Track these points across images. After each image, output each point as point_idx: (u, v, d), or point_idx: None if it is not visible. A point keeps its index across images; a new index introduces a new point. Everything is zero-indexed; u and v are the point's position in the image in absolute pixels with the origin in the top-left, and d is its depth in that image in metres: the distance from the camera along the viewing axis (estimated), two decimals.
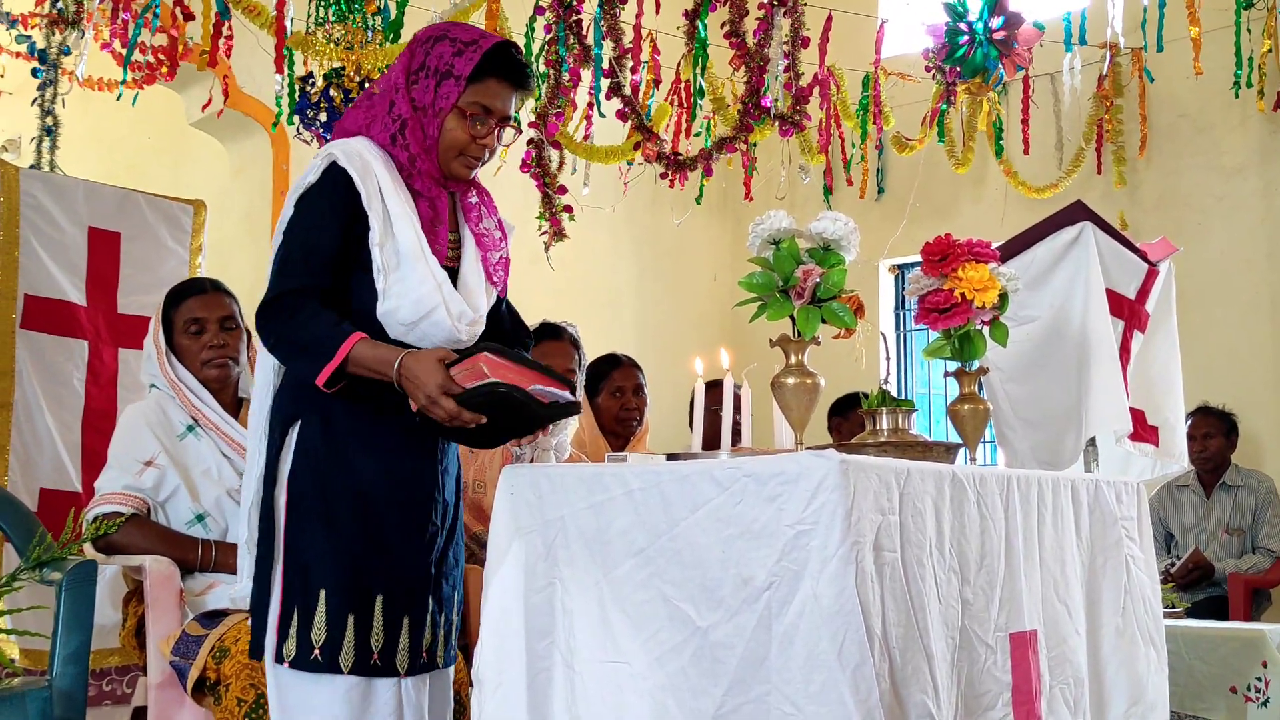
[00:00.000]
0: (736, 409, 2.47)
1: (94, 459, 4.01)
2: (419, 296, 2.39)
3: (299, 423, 2.42)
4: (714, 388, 3.40)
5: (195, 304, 3.40)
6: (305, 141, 4.83)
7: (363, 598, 2.38)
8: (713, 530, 2.09)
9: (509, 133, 2.55)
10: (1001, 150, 6.81)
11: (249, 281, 4.91)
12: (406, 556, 2.44)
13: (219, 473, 3.27)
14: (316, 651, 2.34)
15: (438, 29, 2.50)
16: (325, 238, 2.38)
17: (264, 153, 5.86)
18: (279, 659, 2.37)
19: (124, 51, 4.59)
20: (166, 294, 3.47)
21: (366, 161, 2.41)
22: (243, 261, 5.73)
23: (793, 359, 2.42)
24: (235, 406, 3.39)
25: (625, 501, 2.21)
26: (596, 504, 2.24)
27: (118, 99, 4.94)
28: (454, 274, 2.50)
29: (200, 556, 3.19)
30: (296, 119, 4.74)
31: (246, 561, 2.51)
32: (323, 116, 4.67)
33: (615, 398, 4.27)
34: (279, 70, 4.77)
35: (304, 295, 2.35)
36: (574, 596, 2.25)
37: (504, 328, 2.65)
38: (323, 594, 2.36)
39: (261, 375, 2.54)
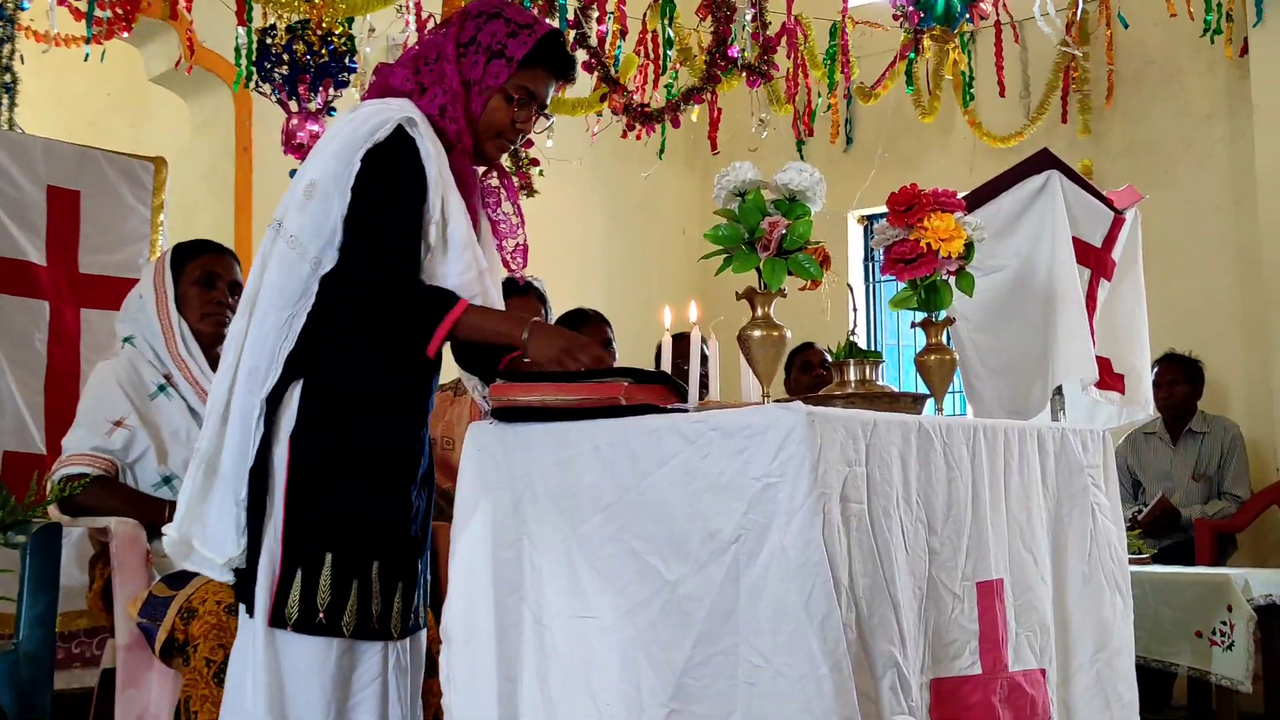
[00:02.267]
0: (703, 362, 2.46)
1: (58, 420, 3.98)
2: (462, 283, 2.39)
3: (300, 382, 2.39)
4: (681, 341, 3.40)
5: (212, 260, 3.42)
6: (265, 95, 4.78)
7: (363, 561, 2.38)
8: (680, 484, 2.09)
9: (540, 120, 2.58)
10: (970, 100, 6.80)
11: (210, 238, 4.86)
12: (399, 520, 2.44)
13: (188, 434, 3.26)
14: (321, 615, 2.33)
15: (491, 4, 2.49)
16: (417, 213, 2.36)
17: (226, 108, 5.79)
18: (277, 622, 2.35)
19: (83, 6, 4.51)
20: (177, 245, 3.45)
21: (431, 135, 2.40)
22: (206, 219, 5.67)
23: (759, 311, 2.42)
24: (214, 366, 3.38)
25: (593, 457, 2.20)
26: (564, 460, 2.24)
27: (85, 59, 4.87)
28: None
29: (167, 518, 3.17)
30: (256, 72, 4.68)
31: (230, 514, 2.44)
32: (283, 70, 4.61)
33: None
34: (240, 23, 4.71)
35: (412, 279, 2.35)
36: (542, 552, 2.25)
37: None
38: (329, 557, 2.35)
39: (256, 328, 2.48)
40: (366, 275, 2.31)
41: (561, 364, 2.27)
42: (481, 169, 2.57)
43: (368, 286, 2.31)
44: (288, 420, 2.39)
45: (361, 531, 2.38)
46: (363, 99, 2.55)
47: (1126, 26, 6.42)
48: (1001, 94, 6.68)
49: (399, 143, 2.36)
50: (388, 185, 2.35)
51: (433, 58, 2.47)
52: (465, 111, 2.44)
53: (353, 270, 2.33)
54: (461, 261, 2.39)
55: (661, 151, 6.64)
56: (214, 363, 3.38)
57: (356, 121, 2.39)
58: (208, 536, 2.46)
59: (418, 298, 2.32)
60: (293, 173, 4.69)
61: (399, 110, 2.38)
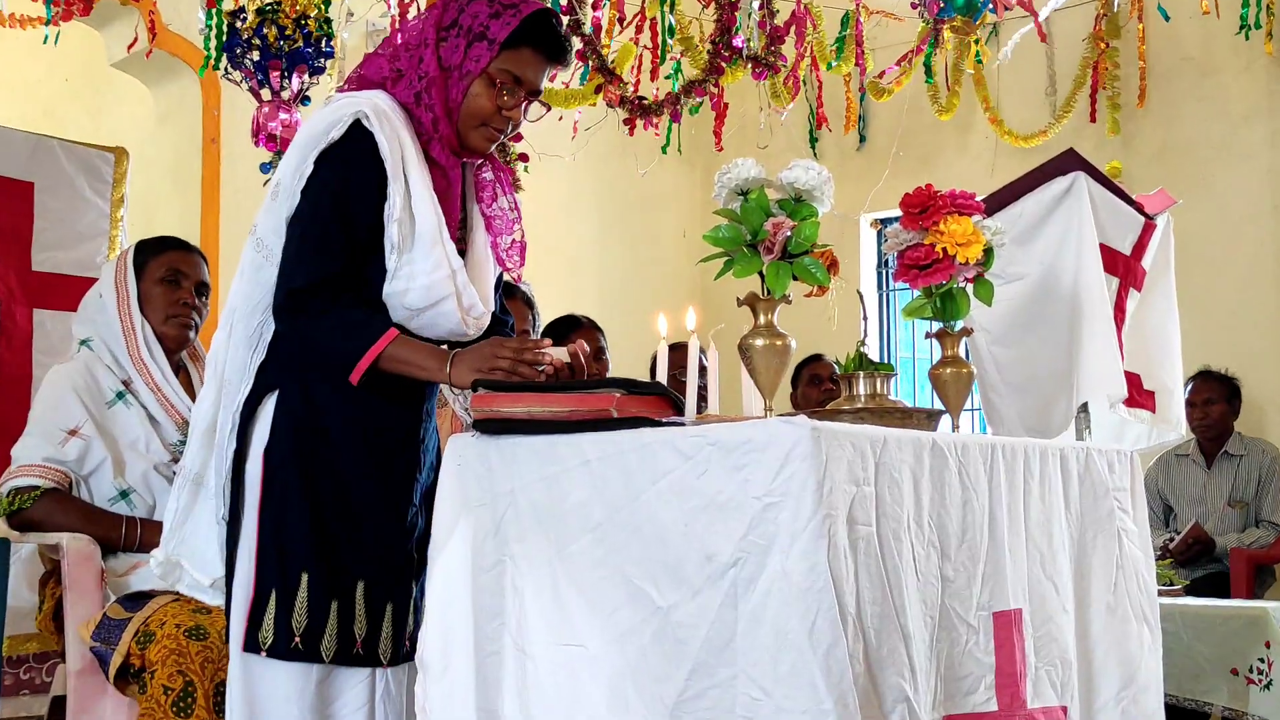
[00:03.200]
0: (701, 373, 2.46)
1: (7, 428, 3.97)
2: (431, 283, 2.39)
3: (276, 392, 2.41)
4: (678, 350, 3.40)
5: (179, 257, 3.43)
6: (235, 82, 4.78)
7: (345, 582, 2.38)
8: (675, 503, 2.09)
9: (535, 108, 2.55)
10: (991, 96, 6.81)
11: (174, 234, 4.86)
12: (388, 539, 2.45)
13: (147, 445, 3.26)
14: (298, 639, 2.34)
15: None
16: (360, 211, 2.36)
17: (192, 96, 5.80)
18: (251, 647, 2.35)
19: None
20: (139, 242, 3.47)
21: (394, 126, 2.39)
22: (169, 215, 5.68)
23: (762, 319, 2.42)
24: (176, 372, 3.38)
25: (581, 473, 2.20)
26: (550, 476, 2.24)
27: (44, 41, 4.88)
28: (461, 257, 2.49)
29: (124, 535, 3.18)
30: (224, 57, 4.69)
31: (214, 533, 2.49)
32: (254, 55, 4.62)
33: None
34: (209, 4, 4.72)
35: (338, 285, 2.34)
36: (525, 575, 2.25)
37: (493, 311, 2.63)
38: (305, 578, 2.35)
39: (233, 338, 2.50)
40: (286, 298, 2.34)
41: (491, 374, 2.28)
42: (478, 161, 2.58)
43: (289, 310, 2.34)
44: (260, 434, 2.41)
45: (344, 550, 2.39)
46: (339, 90, 2.55)
47: (1168, 19, 6.42)
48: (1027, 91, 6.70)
49: (354, 140, 2.37)
50: (331, 191, 2.36)
51: (414, 44, 2.48)
52: (444, 99, 2.43)
53: (278, 287, 2.36)
54: (429, 259, 2.39)
55: (666, 147, 6.63)
56: (177, 368, 3.39)
57: (320, 117, 2.42)
58: (195, 557, 2.50)
59: (341, 326, 2.34)
60: (263, 166, 4.75)
61: (360, 103, 2.39)
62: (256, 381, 2.43)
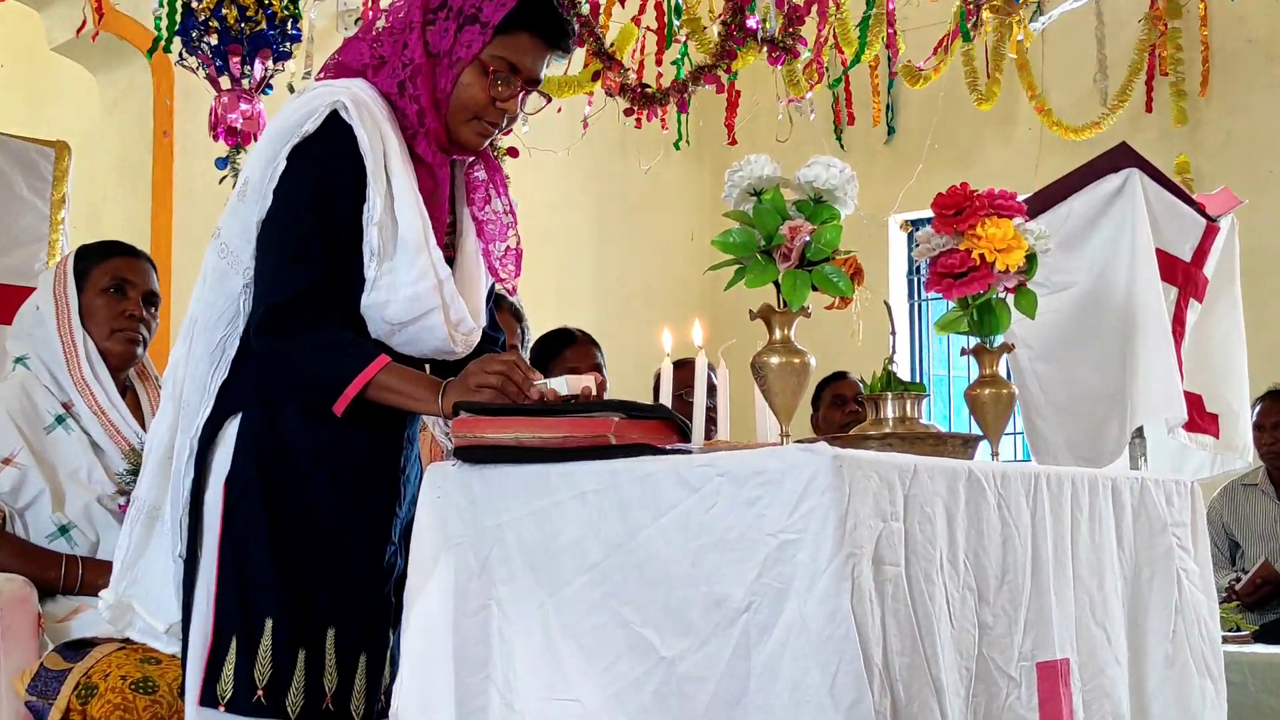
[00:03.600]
0: (710, 394, 2.47)
1: None
2: (415, 294, 2.39)
3: (239, 415, 2.41)
4: (683, 368, 3.40)
5: (124, 264, 3.43)
6: (190, 69, 4.79)
7: (313, 629, 2.37)
8: (680, 541, 2.09)
9: (534, 99, 2.55)
10: (1036, 83, 6.82)
11: (122, 239, 4.88)
12: (363, 582, 2.44)
13: (89, 475, 3.26)
14: (260, 692, 2.33)
15: None
16: (342, 214, 2.37)
17: (143, 84, 5.82)
18: (208, 701, 2.34)
19: None
20: (80, 248, 3.47)
21: (375, 118, 2.39)
22: (116, 215, 5.70)
23: (777, 334, 2.43)
24: (122, 393, 3.38)
25: (576, 506, 2.20)
26: (541, 510, 2.24)
27: None
28: (449, 265, 2.49)
29: (64, 575, 3.18)
30: (178, 42, 4.70)
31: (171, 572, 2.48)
32: (212, 39, 4.63)
33: None
34: None
35: (322, 300, 2.35)
36: (513, 621, 2.24)
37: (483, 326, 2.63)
38: (269, 623, 2.34)
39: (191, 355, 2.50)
40: (266, 315, 2.34)
41: (478, 393, 2.28)
42: (469, 159, 2.58)
43: (269, 329, 2.34)
44: (221, 461, 2.41)
45: (313, 593, 2.38)
46: (316, 79, 2.56)
47: None
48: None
49: (331, 133, 2.36)
50: (308, 190, 2.36)
51: (398, 28, 2.48)
52: (431, 89, 2.44)
53: (255, 302, 2.36)
54: (414, 269, 2.39)
55: (679, 141, 6.61)
56: (124, 389, 3.39)
57: (292, 108, 2.41)
58: (149, 598, 2.49)
59: (327, 348, 2.34)
60: (219, 161, 4.75)
61: (338, 92, 2.38)
62: (218, 403, 2.43)
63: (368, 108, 2.39)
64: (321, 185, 2.37)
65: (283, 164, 2.37)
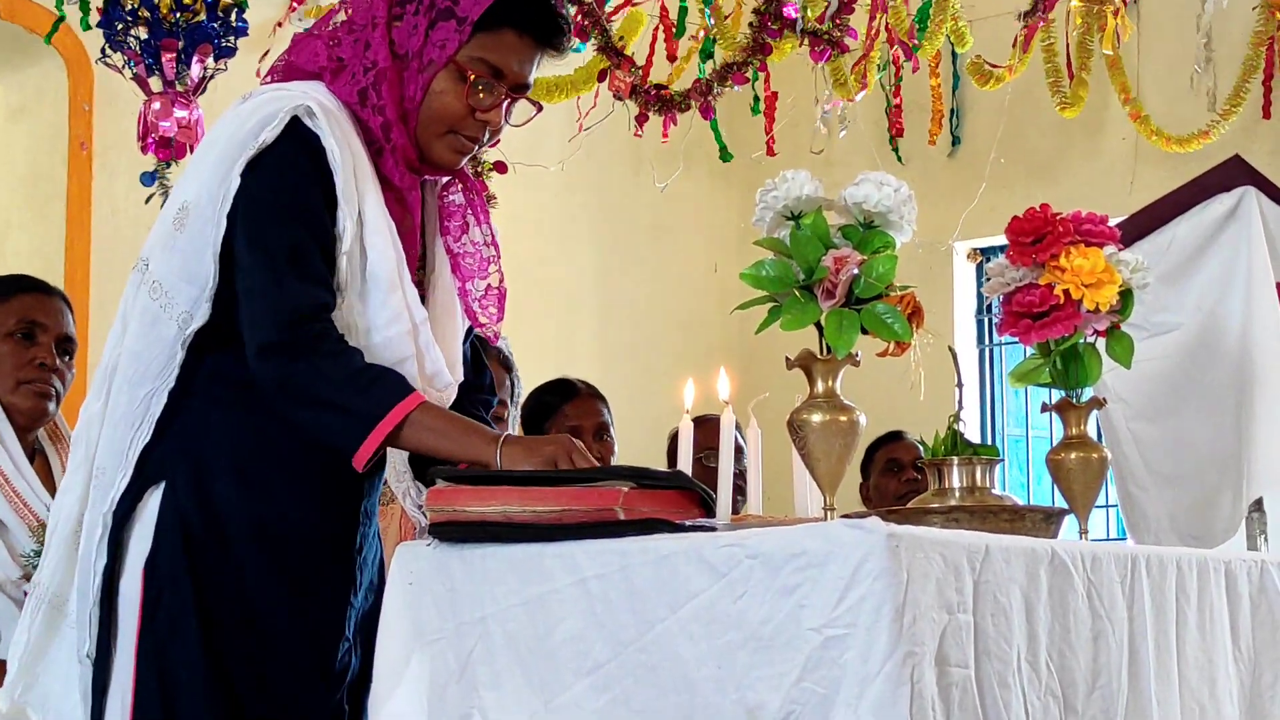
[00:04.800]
0: (738, 458, 2.47)
1: None
2: (386, 340, 2.41)
3: (162, 485, 2.41)
4: (705, 426, 3.40)
5: (34, 303, 3.44)
6: (114, 68, 4.81)
7: None
8: (704, 637, 2.09)
9: (522, 108, 2.55)
10: (1131, 85, 6.83)
11: (31, 270, 4.89)
12: (309, 686, 2.45)
13: None
14: None
15: None
16: (328, 227, 2.38)
17: (55, 85, 5.83)
18: None
19: None
20: None
21: (344, 129, 2.41)
22: (21, 241, 5.72)
23: (819, 386, 2.42)
24: (30, 458, 3.39)
25: (576, 595, 2.21)
26: (534, 599, 2.24)
27: None
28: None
29: None
30: (102, 35, 4.72)
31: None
32: (141, 32, 4.65)
33: None
34: None
35: (332, 322, 2.36)
36: None
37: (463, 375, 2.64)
38: None
39: (94, 420, 2.50)
40: (286, 330, 2.33)
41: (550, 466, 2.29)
42: (442, 180, 2.59)
43: (287, 347, 2.33)
44: (140, 541, 2.41)
45: (250, 701, 2.39)
46: (262, 82, 2.57)
47: None
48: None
49: (293, 142, 2.37)
50: (282, 200, 2.37)
51: (359, 24, 2.49)
52: (398, 97, 2.44)
53: (261, 322, 2.35)
54: (387, 310, 2.40)
55: (724, 154, 6.56)
56: (32, 453, 3.39)
57: (240, 117, 2.41)
58: (50, 708, 2.49)
59: (354, 377, 2.33)
60: (145, 177, 4.76)
61: (298, 96, 2.39)
62: (137, 471, 2.42)
63: (334, 116, 2.40)
64: (296, 191, 2.37)
65: (236, 181, 2.36)
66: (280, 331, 2.32)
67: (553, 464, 2.29)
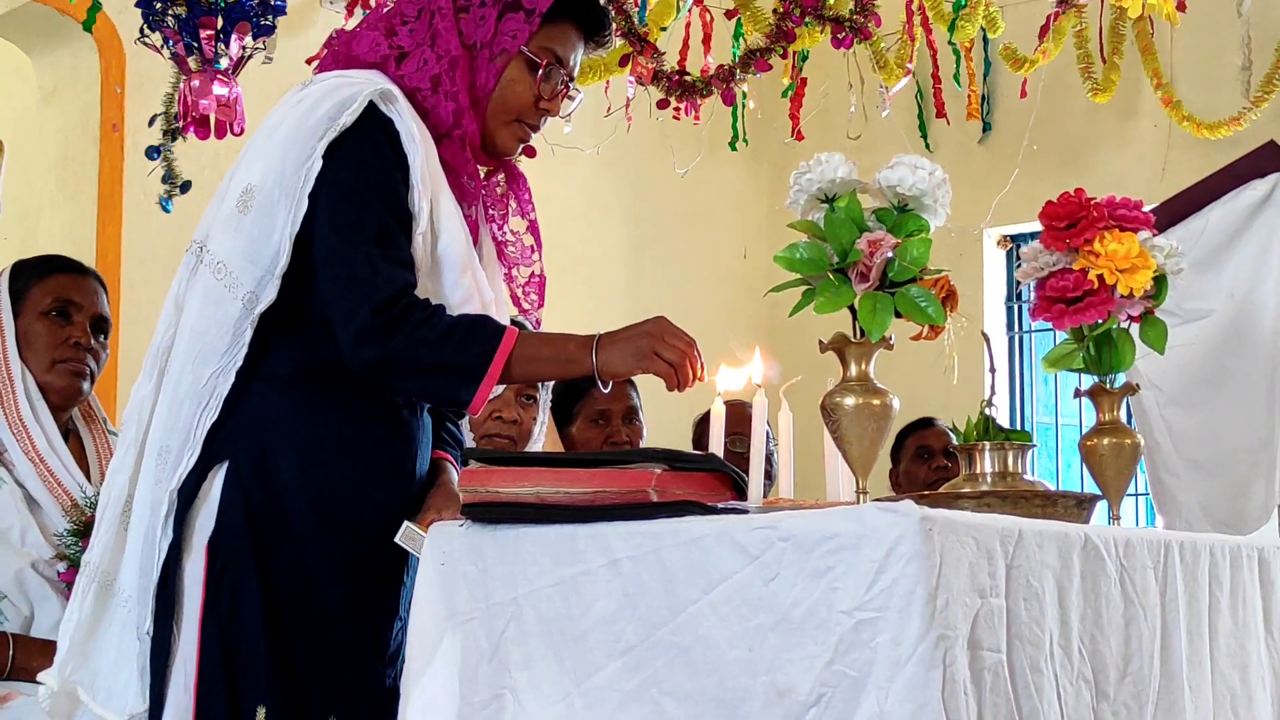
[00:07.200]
0: (769, 442, 2.47)
1: None
2: None
3: (225, 465, 2.44)
4: (736, 410, 3.40)
5: (69, 282, 3.44)
6: (153, 47, 4.81)
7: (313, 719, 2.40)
8: (735, 619, 2.10)
9: (566, 100, 2.62)
10: (1164, 70, 6.80)
11: (63, 252, 4.91)
12: (365, 664, 2.48)
13: (22, 536, 3.27)
14: None
15: None
16: (409, 209, 2.44)
17: (88, 67, 5.84)
18: None
19: None
20: (14, 265, 3.49)
21: (414, 115, 2.46)
22: (54, 223, 5.73)
23: (853, 370, 2.42)
24: (65, 437, 3.40)
25: (608, 576, 2.21)
26: (567, 580, 2.24)
27: None
28: None
29: (12, 660, 3.19)
30: (140, 15, 4.73)
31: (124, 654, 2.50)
32: (180, 10, 4.65)
33: (597, 426, 4.29)
34: None
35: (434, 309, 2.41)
36: (533, 714, 2.25)
37: None
38: (261, 714, 2.37)
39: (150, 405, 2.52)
40: (376, 313, 2.36)
41: (646, 366, 2.38)
42: (484, 169, 2.64)
43: (382, 328, 2.36)
44: (204, 520, 2.44)
45: (309, 678, 2.41)
46: (315, 72, 2.60)
47: None
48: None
49: (372, 126, 2.42)
50: (367, 181, 2.41)
51: (412, 14, 2.53)
52: (470, 85, 2.50)
53: (357, 309, 2.38)
54: (460, 290, 2.46)
55: (735, 141, 6.57)
56: (66, 432, 3.40)
57: (310, 101, 2.46)
58: (99, 686, 2.51)
59: (448, 334, 2.37)
60: (151, 151, 4.76)
61: (369, 82, 2.44)
62: (204, 450, 2.45)
63: (404, 103, 2.46)
64: (380, 174, 2.42)
65: (318, 163, 2.41)
66: (375, 316, 2.36)
67: (649, 359, 2.38)
